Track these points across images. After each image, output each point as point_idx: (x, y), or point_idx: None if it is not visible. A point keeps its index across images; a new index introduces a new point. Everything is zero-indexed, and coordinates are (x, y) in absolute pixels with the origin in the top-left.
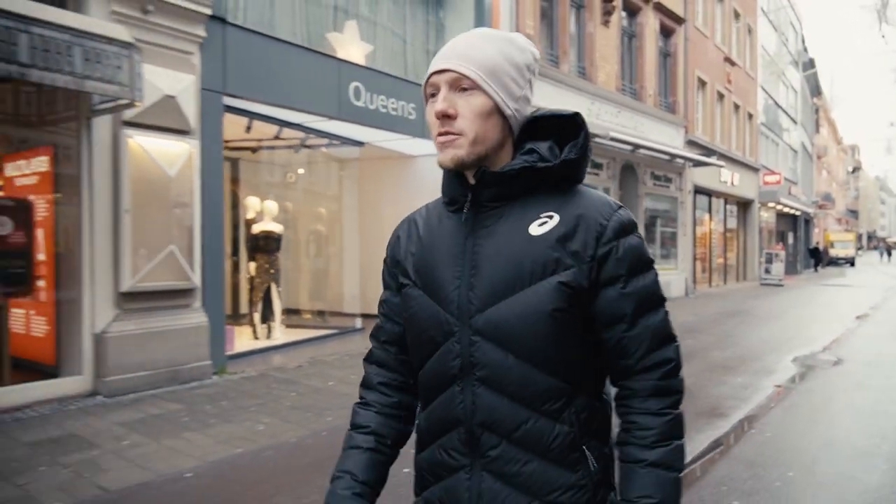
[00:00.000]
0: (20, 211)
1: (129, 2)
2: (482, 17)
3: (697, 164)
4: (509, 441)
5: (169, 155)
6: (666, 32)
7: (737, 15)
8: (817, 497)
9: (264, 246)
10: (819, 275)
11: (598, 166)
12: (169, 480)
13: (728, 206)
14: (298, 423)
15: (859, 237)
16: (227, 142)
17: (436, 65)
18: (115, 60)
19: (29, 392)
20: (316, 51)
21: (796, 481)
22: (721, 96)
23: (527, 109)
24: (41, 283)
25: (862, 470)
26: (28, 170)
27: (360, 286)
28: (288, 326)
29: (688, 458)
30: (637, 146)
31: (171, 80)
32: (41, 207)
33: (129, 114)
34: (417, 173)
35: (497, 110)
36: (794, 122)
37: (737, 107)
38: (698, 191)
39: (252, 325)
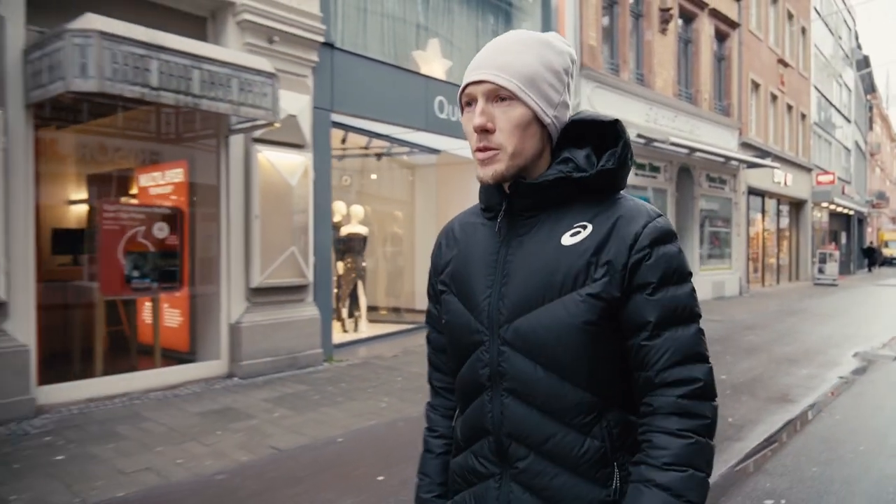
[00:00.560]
0: (174, 217)
1: (259, 34)
2: (549, 27)
3: (751, 165)
4: (537, 453)
5: (290, 167)
6: (720, 37)
7: (790, 16)
8: (889, 463)
9: (351, 247)
10: (873, 275)
11: (655, 169)
12: (325, 443)
13: (781, 206)
14: (414, 401)
15: None
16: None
17: (472, 75)
18: (261, 88)
19: (179, 374)
20: (406, 69)
21: (868, 452)
22: (774, 98)
23: (566, 114)
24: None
25: None
26: (162, 180)
27: None
28: (369, 321)
29: (762, 438)
30: (693, 149)
31: (292, 101)
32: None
33: (258, 131)
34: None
35: (536, 119)
36: (848, 120)
37: (790, 107)
38: (752, 191)
39: (340, 319)
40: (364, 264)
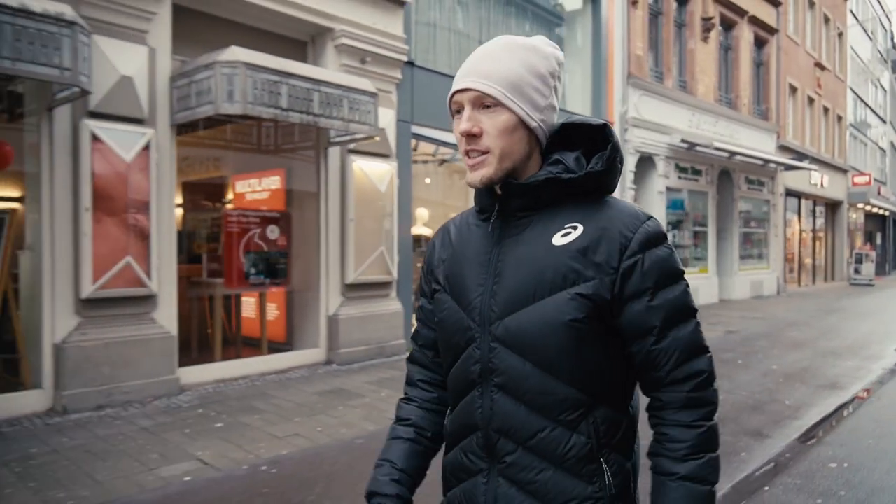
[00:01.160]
0: (283, 220)
1: (353, 56)
2: (598, 39)
3: (789, 167)
4: (525, 448)
5: (379, 174)
6: (759, 43)
7: (826, 20)
8: None
9: (419, 246)
10: None
11: (697, 172)
12: None
13: (817, 207)
14: None
15: None
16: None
17: (458, 84)
18: (366, 106)
19: (286, 360)
20: None
21: None
22: (811, 101)
23: (553, 117)
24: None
25: None
26: (259, 187)
27: None
28: None
29: (818, 418)
30: (733, 153)
31: (382, 116)
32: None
33: (352, 143)
34: None
35: (522, 124)
36: (884, 121)
37: (826, 110)
38: (789, 193)
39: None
40: None
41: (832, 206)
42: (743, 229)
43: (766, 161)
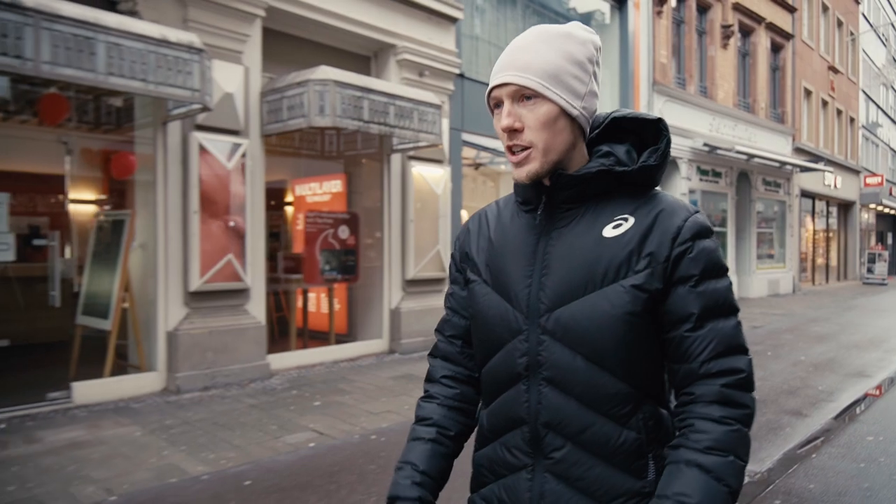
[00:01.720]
0: (352, 220)
1: (412, 70)
2: (626, 48)
3: (805, 169)
4: (574, 443)
5: (435, 179)
6: (776, 48)
7: (839, 24)
8: None
9: None
10: None
11: (717, 175)
12: None
13: (830, 208)
14: None
15: None
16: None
17: (496, 79)
18: (432, 117)
19: (355, 349)
20: None
21: None
22: (825, 103)
23: (594, 103)
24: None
25: None
26: (320, 190)
27: None
28: None
29: (851, 400)
30: (752, 156)
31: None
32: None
33: (411, 150)
34: None
35: (563, 114)
36: (895, 122)
37: (839, 112)
38: (804, 194)
39: None
40: None
41: (844, 207)
42: (760, 229)
43: (783, 163)
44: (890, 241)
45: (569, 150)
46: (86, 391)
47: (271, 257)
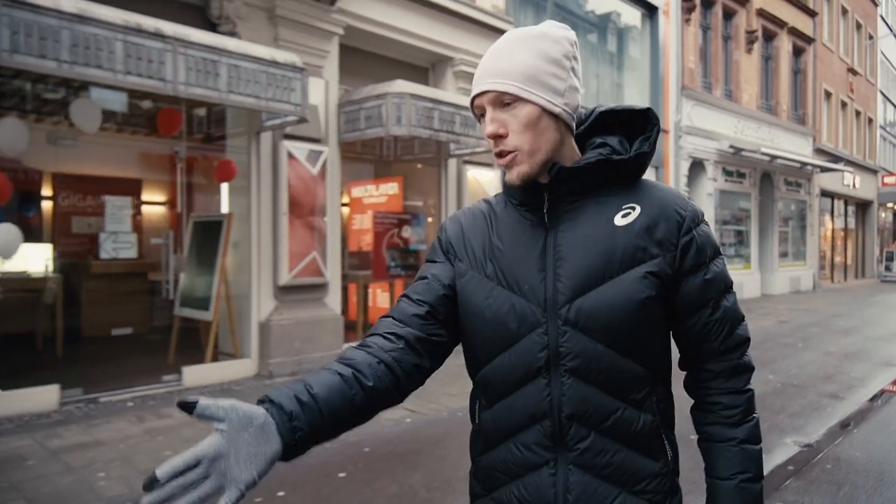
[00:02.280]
0: (415, 220)
1: (467, 80)
2: (656, 54)
3: (825, 169)
4: (598, 432)
5: (487, 181)
6: (797, 52)
7: (858, 26)
8: None
9: None
10: None
11: (742, 175)
12: None
13: (848, 207)
14: None
15: None
16: None
17: (476, 88)
18: None
19: None
20: None
21: None
22: (844, 105)
23: (576, 98)
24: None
25: None
26: (376, 192)
27: None
28: None
29: (882, 386)
30: (775, 157)
31: None
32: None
33: (466, 155)
34: None
35: (546, 113)
36: None
37: (858, 113)
38: (823, 193)
39: None
40: None
41: (862, 206)
42: (781, 228)
43: (804, 164)
44: None
45: (557, 148)
46: (193, 375)
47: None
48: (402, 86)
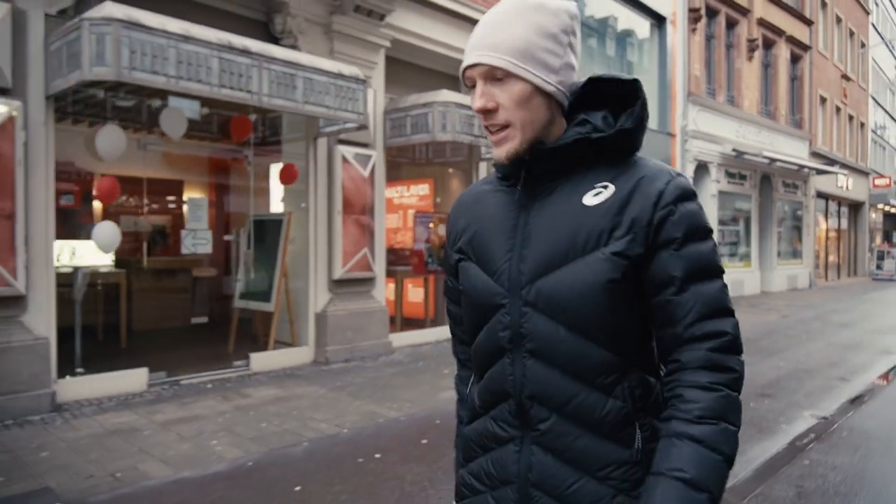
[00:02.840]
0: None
1: None
2: (664, 62)
3: (821, 172)
4: (560, 415)
5: None
6: (794, 59)
7: (851, 34)
8: None
9: None
10: None
11: (743, 177)
12: None
13: (841, 208)
14: None
15: None
16: None
17: (467, 59)
18: None
19: (446, 332)
20: None
21: None
22: (838, 109)
23: (571, 76)
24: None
25: None
26: (407, 193)
27: None
28: None
29: (885, 369)
30: (774, 160)
31: None
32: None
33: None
34: None
35: (539, 91)
36: None
37: (851, 117)
38: (818, 195)
39: None
40: None
41: (854, 207)
42: (780, 228)
43: (802, 166)
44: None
45: (547, 126)
46: (259, 361)
47: None
48: (447, 95)
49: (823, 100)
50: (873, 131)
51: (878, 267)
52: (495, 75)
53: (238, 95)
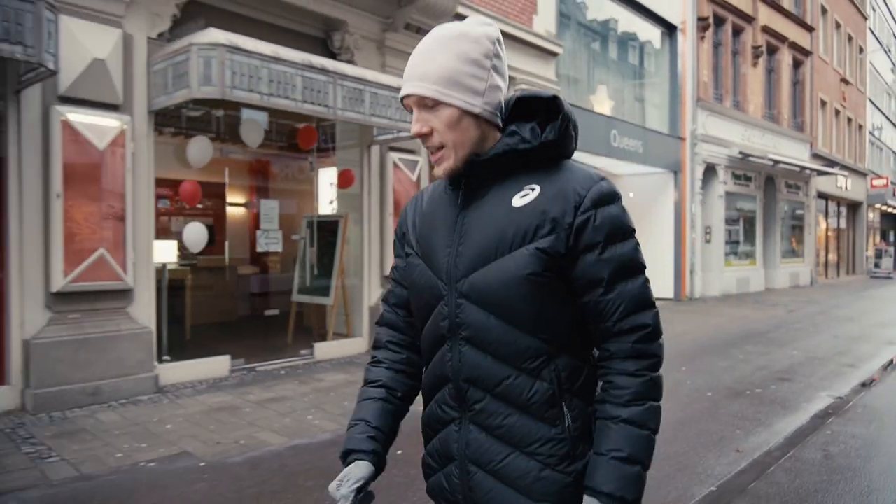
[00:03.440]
0: None
1: None
2: (675, 70)
3: (821, 173)
4: (492, 395)
5: None
6: (796, 64)
7: (850, 38)
8: None
9: None
10: None
11: (748, 179)
12: None
13: (840, 208)
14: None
15: None
16: None
17: (403, 89)
18: None
19: None
20: (590, 110)
21: None
22: (837, 112)
23: (497, 96)
24: None
25: None
26: None
27: None
28: None
29: (888, 359)
30: (778, 162)
31: None
32: None
33: None
34: (622, 186)
35: (466, 113)
36: None
37: (850, 120)
38: (819, 195)
39: None
40: None
41: (853, 207)
42: (783, 228)
43: (804, 168)
44: (892, 238)
45: (479, 141)
46: (322, 350)
47: None
48: None
49: (824, 103)
50: (871, 133)
51: (876, 265)
52: (426, 103)
53: (318, 110)
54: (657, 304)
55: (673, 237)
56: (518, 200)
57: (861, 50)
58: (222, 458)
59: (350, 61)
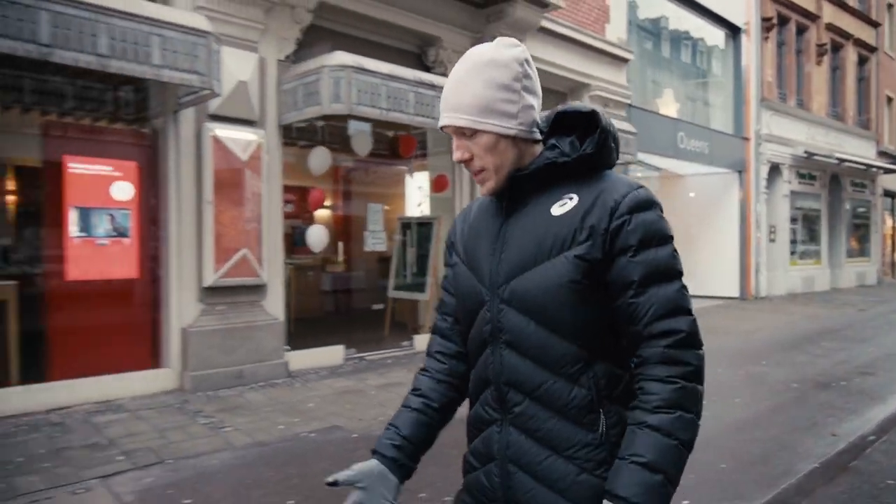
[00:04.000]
0: None
1: (599, 102)
2: (738, 70)
3: (888, 171)
4: (531, 399)
5: None
6: (861, 61)
7: None
8: None
9: None
10: None
11: (813, 178)
12: None
13: None
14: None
15: None
16: None
17: (441, 120)
18: (628, 143)
19: None
20: (657, 112)
21: None
22: None
23: (531, 115)
24: None
25: None
26: None
27: None
28: None
29: None
30: (843, 160)
31: None
32: None
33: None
34: (685, 186)
35: (502, 136)
36: None
37: None
38: (886, 193)
39: None
40: None
41: None
42: (848, 227)
43: (869, 166)
44: None
45: (518, 161)
46: (420, 342)
47: None
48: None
49: (890, 99)
50: None
51: None
52: (464, 132)
53: (427, 122)
54: (723, 302)
55: (738, 236)
56: (557, 209)
57: None
58: (370, 432)
59: (443, 74)
